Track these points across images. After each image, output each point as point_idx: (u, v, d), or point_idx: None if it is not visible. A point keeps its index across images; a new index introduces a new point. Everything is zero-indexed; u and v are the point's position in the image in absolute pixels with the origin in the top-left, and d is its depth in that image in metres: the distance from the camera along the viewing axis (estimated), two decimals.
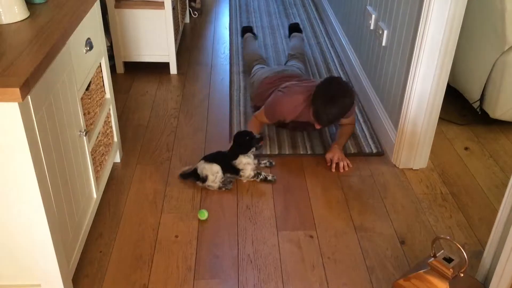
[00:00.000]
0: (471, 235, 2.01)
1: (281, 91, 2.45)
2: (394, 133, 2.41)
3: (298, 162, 2.42)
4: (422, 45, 2.11)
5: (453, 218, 2.10)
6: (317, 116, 2.27)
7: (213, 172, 2.17)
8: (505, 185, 2.28)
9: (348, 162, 2.38)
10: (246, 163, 2.22)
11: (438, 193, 2.24)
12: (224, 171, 2.20)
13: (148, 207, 2.11)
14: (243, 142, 2.23)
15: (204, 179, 2.18)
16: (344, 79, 3.05)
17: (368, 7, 2.85)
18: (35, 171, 1.36)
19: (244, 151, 2.23)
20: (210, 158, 2.22)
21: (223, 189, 2.20)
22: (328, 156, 2.39)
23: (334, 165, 2.36)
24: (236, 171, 2.24)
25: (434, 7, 2.02)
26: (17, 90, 1.20)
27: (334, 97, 2.23)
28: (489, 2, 2.47)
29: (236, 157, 2.22)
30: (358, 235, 1.99)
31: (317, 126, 2.35)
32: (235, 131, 2.60)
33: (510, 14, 2.38)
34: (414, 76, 2.19)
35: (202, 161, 2.21)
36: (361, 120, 2.76)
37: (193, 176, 2.22)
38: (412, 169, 2.39)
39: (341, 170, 2.35)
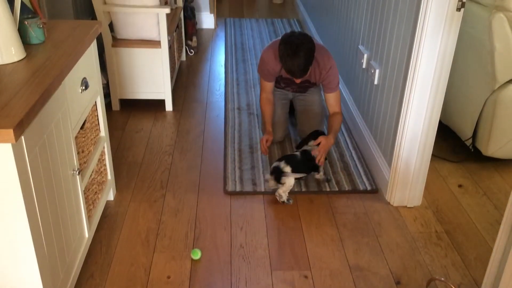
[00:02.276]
0: (466, 275, 1.99)
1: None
2: (388, 170, 2.42)
3: (292, 200, 2.41)
4: (413, 84, 2.15)
5: (448, 257, 2.08)
6: (290, 71, 2.43)
7: (290, 186, 2.34)
8: (499, 223, 2.26)
9: (323, 159, 2.47)
10: None
11: (433, 231, 2.23)
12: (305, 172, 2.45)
13: (141, 246, 2.08)
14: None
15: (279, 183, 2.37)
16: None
17: (360, 47, 2.91)
18: (27, 212, 1.35)
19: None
20: (296, 169, 2.37)
21: (285, 202, 2.37)
22: (323, 139, 2.48)
23: (320, 145, 2.47)
24: (310, 168, 2.48)
25: (424, 47, 2.06)
26: (10, 132, 1.21)
27: (296, 47, 2.35)
28: (479, 42, 2.53)
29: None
30: (353, 275, 1.97)
31: (297, 81, 2.53)
32: (229, 168, 2.61)
33: (499, 53, 2.43)
34: (406, 114, 2.22)
35: (286, 166, 2.35)
36: (355, 157, 2.77)
37: (275, 174, 2.37)
38: (406, 206, 2.39)
39: (317, 159, 2.45)
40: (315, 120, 2.81)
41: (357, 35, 3.01)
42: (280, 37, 2.57)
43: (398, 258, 2.07)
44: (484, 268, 1.99)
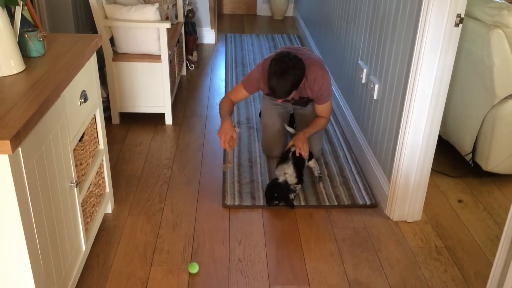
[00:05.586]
0: None
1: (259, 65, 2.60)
2: (388, 185, 2.41)
3: (291, 213, 2.40)
4: (412, 99, 2.15)
5: (448, 273, 2.06)
6: (272, 89, 2.39)
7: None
8: (499, 239, 2.24)
9: (306, 152, 2.52)
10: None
11: (433, 246, 2.21)
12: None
13: (138, 259, 2.07)
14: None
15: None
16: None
17: (360, 62, 2.92)
18: (23, 225, 1.34)
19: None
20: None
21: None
22: (290, 143, 2.57)
23: (293, 149, 2.52)
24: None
25: (423, 62, 2.07)
26: (7, 143, 1.21)
27: (286, 69, 2.32)
28: (478, 58, 2.54)
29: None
30: None
31: (278, 100, 2.50)
32: (228, 182, 2.60)
33: (498, 69, 2.44)
34: (405, 129, 2.22)
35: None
36: (354, 172, 2.76)
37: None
38: (406, 221, 2.38)
39: (296, 153, 2.51)
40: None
41: (357, 50, 3.03)
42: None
43: (398, 273, 2.05)
44: (484, 283, 1.97)
